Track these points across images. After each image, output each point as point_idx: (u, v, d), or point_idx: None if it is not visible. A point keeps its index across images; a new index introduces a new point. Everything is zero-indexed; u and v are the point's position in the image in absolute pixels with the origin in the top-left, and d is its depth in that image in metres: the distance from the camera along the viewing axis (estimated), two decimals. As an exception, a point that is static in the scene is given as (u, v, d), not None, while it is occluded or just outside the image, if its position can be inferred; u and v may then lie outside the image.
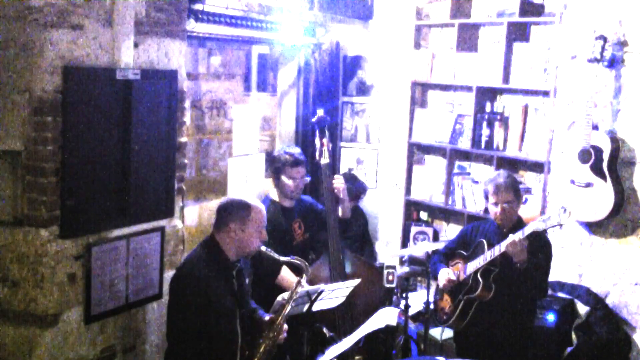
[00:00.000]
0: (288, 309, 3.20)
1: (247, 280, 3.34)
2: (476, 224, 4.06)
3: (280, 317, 3.18)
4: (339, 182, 4.02)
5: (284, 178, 3.92)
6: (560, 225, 3.45)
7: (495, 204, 3.66)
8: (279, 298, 3.26)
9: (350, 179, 5.23)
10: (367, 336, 3.42)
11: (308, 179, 4.06)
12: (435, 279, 3.95)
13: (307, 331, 3.57)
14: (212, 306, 2.98)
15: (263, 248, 3.20)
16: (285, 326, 3.22)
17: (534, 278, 3.56)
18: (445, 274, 3.81)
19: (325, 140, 4.08)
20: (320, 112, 4.13)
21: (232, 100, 6.19)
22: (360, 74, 5.84)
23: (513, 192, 3.67)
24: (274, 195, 4.03)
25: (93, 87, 3.31)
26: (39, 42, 3.11)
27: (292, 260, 3.25)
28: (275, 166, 3.97)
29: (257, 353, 3.11)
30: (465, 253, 3.85)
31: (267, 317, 3.24)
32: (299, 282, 3.24)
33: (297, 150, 4.02)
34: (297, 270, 3.88)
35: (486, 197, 3.76)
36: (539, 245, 3.62)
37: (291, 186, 3.93)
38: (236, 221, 3.11)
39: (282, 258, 3.23)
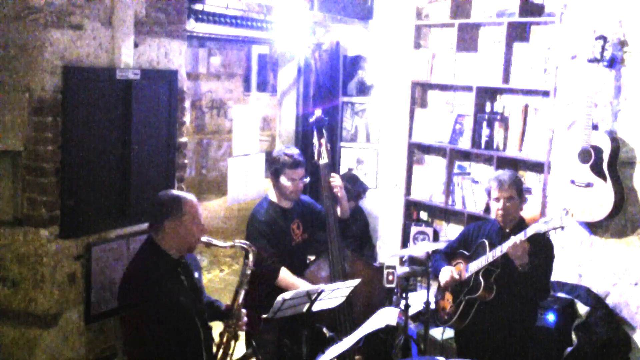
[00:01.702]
0: (242, 294, 3.16)
1: (196, 274, 3.27)
2: (478, 224, 4.06)
3: (236, 304, 3.15)
4: (336, 181, 4.01)
5: (282, 179, 3.92)
6: (562, 228, 3.45)
7: (497, 199, 3.66)
8: (279, 298, 3.26)
9: (351, 179, 5.23)
10: (367, 336, 3.42)
11: (307, 179, 4.05)
12: (437, 277, 3.95)
13: (307, 331, 3.57)
14: (166, 309, 2.92)
15: (204, 238, 3.16)
16: (244, 311, 3.20)
17: (536, 279, 3.56)
18: (448, 272, 3.81)
19: (323, 141, 4.07)
20: (318, 113, 4.13)
21: (232, 100, 6.20)
22: (360, 74, 5.84)
23: (516, 190, 3.67)
24: (273, 196, 4.03)
25: (93, 87, 3.31)
26: (39, 42, 3.11)
27: (236, 244, 3.23)
28: (274, 167, 3.97)
29: (220, 343, 3.09)
30: (466, 253, 3.85)
31: (222, 307, 3.25)
32: (245, 264, 3.19)
33: (296, 151, 4.01)
34: (294, 269, 3.89)
35: (488, 194, 3.75)
36: (541, 246, 3.61)
37: (290, 187, 3.92)
38: (170, 218, 3.02)
39: (225, 244, 3.23)
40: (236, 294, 3.19)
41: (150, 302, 2.91)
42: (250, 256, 3.23)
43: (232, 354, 3.18)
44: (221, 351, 3.13)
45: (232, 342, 3.16)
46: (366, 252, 5.38)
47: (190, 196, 3.12)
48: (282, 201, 3.99)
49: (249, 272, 3.22)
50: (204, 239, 3.15)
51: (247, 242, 3.28)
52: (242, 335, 3.32)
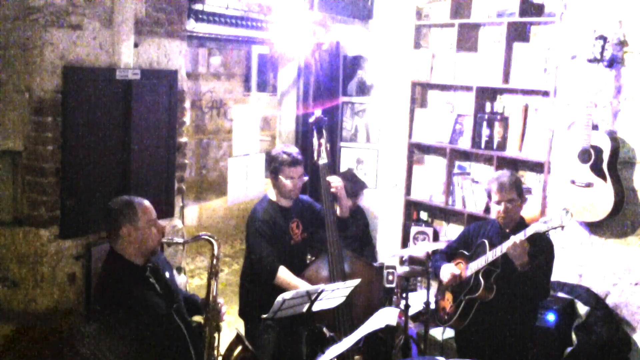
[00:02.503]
0: (214, 285, 3.11)
1: (167, 274, 3.21)
2: (478, 223, 4.06)
3: (211, 296, 3.10)
4: (335, 182, 4.01)
5: (281, 178, 3.92)
6: (562, 227, 3.45)
7: (498, 202, 3.66)
8: (279, 298, 3.26)
9: (350, 177, 5.23)
10: (367, 336, 3.42)
11: (306, 178, 4.05)
12: (437, 277, 3.95)
13: (307, 331, 3.57)
14: (143, 315, 2.88)
15: (165, 239, 3.14)
16: (221, 301, 3.16)
17: (536, 279, 3.56)
18: (449, 269, 3.81)
19: (323, 141, 4.07)
20: (317, 113, 4.13)
21: (232, 100, 6.20)
22: (360, 74, 5.84)
23: (516, 191, 3.67)
24: (272, 195, 4.03)
25: (93, 87, 3.31)
26: (39, 42, 3.11)
27: (201, 237, 3.20)
28: (273, 166, 3.97)
29: (203, 338, 3.06)
30: (467, 253, 3.85)
31: (200, 300, 3.22)
32: (212, 255, 3.13)
33: (295, 150, 4.01)
34: (294, 268, 3.89)
35: (489, 196, 3.75)
36: (541, 246, 3.61)
37: (289, 186, 3.93)
38: (126, 223, 2.96)
39: (186, 240, 3.20)
40: (209, 286, 3.13)
41: (125, 312, 2.85)
42: (215, 246, 3.16)
43: (218, 346, 3.15)
44: (206, 344, 3.09)
45: (216, 334, 3.12)
46: (366, 252, 5.38)
47: (142, 199, 3.06)
48: (282, 200, 4.00)
49: (215, 262, 3.15)
50: (164, 239, 3.12)
51: (209, 234, 3.22)
52: (223, 326, 3.29)
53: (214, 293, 3.12)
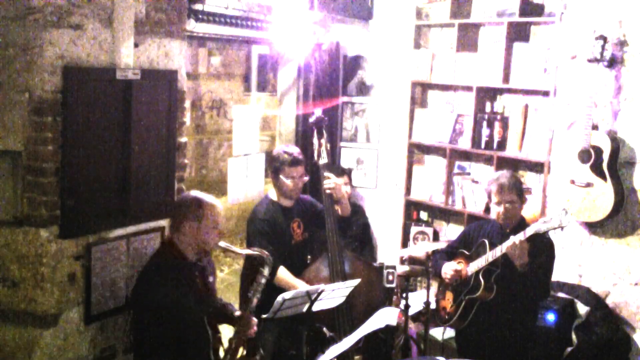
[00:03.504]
0: (254, 301, 3.17)
1: (211, 278, 3.28)
2: (479, 223, 4.06)
3: (247, 311, 3.16)
4: (329, 183, 4.00)
5: (282, 177, 3.92)
6: (562, 228, 3.45)
7: (498, 203, 3.66)
8: (279, 298, 3.26)
9: (330, 167, 5.15)
10: (367, 336, 3.42)
11: (307, 178, 4.06)
12: (438, 276, 3.96)
13: (307, 331, 3.57)
14: (177, 311, 2.93)
15: (222, 243, 3.17)
16: (255, 319, 3.20)
17: (536, 279, 3.56)
18: (451, 265, 3.81)
19: (323, 141, 4.08)
20: (317, 113, 4.14)
21: (232, 100, 6.20)
22: (360, 74, 5.84)
23: (516, 192, 3.67)
24: (273, 195, 4.03)
25: (93, 87, 3.31)
26: (39, 42, 3.11)
27: (252, 252, 3.23)
28: (274, 165, 3.97)
29: (229, 349, 3.10)
30: (467, 253, 3.86)
31: (237, 313, 3.24)
32: (260, 273, 3.20)
33: (295, 150, 4.02)
34: (294, 268, 3.89)
35: (489, 196, 3.75)
36: (542, 246, 3.61)
37: (290, 185, 3.93)
38: (190, 220, 3.05)
39: (242, 251, 3.22)
40: (248, 302, 3.19)
41: (162, 306, 2.91)
42: (266, 266, 3.23)
43: (239, 359, 3.19)
44: (228, 356, 3.13)
45: (240, 349, 3.17)
46: (367, 252, 5.38)
47: (212, 200, 3.13)
48: (283, 200, 4.00)
49: (263, 281, 3.21)
50: (221, 244, 3.15)
51: (265, 252, 3.27)
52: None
53: (252, 310, 3.16)
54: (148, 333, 2.98)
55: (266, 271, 3.25)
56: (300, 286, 3.70)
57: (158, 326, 2.94)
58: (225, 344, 3.21)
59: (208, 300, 3.17)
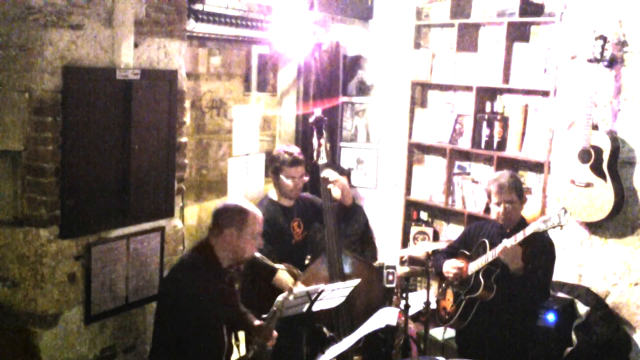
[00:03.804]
0: (276, 318, 3.16)
1: (237, 285, 3.30)
2: (479, 223, 4.06)
3: (270, 323, 3.15)
4: (331, 177, 3.98)
5: (282, 177, 3.93)
6: (561, 227, 3.45)
7: (498, 203, 3.66)
8: (279, 298, 3.26)
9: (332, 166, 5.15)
10: (367, 336, 3.42)
11: (307, 178, 4.05)
12: (438, 275, 3.96)
13: (307, 331, 3.57)
14: (202, 312, 2.93)
15: (258, 255, 3.16)
16: (275, 333, 3.20)
17: (536, 280, 3.56)
18: (452, 263, 3.82)
19: (322, 141, 4.07)
20: (317, 113, 4.14)
21: (232, 100, 6.19)
22: (360, 74, 5.84)
23: (516, 193, 3.67)
24: (273, 195, 4.03)
25: (93, 87, 3.31)
26: (39, 42, 3.11)
27: (286, 270, 3.22)
28: (274, 165, 3.98)
29: (245, 357, 3.10)
30: (467, 253, 3.86)
31: (257, 323, 3.23)
32: (291, 290, 3.18)
33: (296, 150, 4.02)
34: (294, 268, 3.89)
35: (489, 197, 3.76)
36: (542, 246, 3.61)
37: (290, 185, 3.93)
38: (232, 227, 3.05)
39: (277, 265, 3.21)
40: (272, 315, 3.16)
41: (189, 303, 2.91)
42: (298, 283, 3.22)
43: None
44: None
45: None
46: (367, 252, 5.38)
47: (256, 212, 3.12)
48: (283, 199, 4.00)
49: (291, 298, 3.18)
50: (257, 255, 3.15)
51: (297, 269, 3.25)
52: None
53: (272, 324, 3.14)
54: (170, 326, 2.98)
55: (297, 288, 3.22)
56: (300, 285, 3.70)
57: (181, 322, 2.94)
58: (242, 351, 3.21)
59: (231, 307, 3.17)
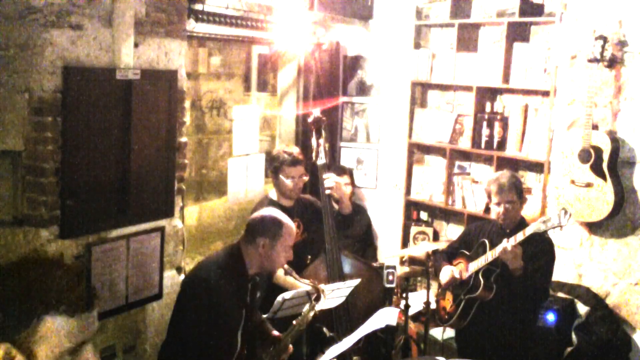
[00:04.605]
0: (297, 329, 3.14)
1: (258, 294, 3.25)
2: (479, 223, 4.06)
3: (287, 336, 3.13)
4: (329, 182, 3.99)
5: (282, 177, 3.93)
6: (561, 227, 3.45)
7: (498, 204, 3.66)
8: (279, 298, 3.26)
9: (333, 166, 5.16)
10: (367, 336, 3.42)
11: (307, 178, 4.06)
12: (438, 275, 3.96)
13: (307, 331, 3.57)
14: (219, 315, 2.91)
15: (286, 267, 3.14)
16: (291, 347, 3.18)
17: (535, 280, 3.56)
18: (448, 271, 3.82)
19: (322, 141, 4.08)
20: (315, 113, 4.14)
21: (232, 100, 6.18)
22: (360, 74, 5.84)
23: (516, 193, 3.67)
24: (273, 195, 4.04)
25: (93, 87, 3.31)
26: (39, 42, 3.11)
27: (309, 283, 3.19)
28: (274, 165, 3.98)
29: None
30: (467, 253, 3.86)
31: (275, 333, 3.22)
32: (311, 307, 3.17)
33: (295, 150, 4.02)
34: (294, 268, 3.87)
35: (489, 197, 3.76)
36: (541, 246, 3.61)
37: (289, 185, 3.93)
38: (266, 237, 3.00)
39: (301, 282, 3.20)
40: (291, 329, 3.14)
41: (208, 304, 2.88)
42: (321, 299, 3.19)
43: None
44: None
45: None
46: (368, 253, 5.37)
47: (291, 225, 3.10)
48: (283, 200, 4.00)
49: (312, 314, 3.16)
50: (285, 266, 3.14)
51: (321, 286, 3.23)
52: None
53: (291, 339, 3.13)
54: (185, 322, 2.96)
55: (318, 305, 3.20)
56: (302, 286, 3.70)
57: (198, 320, 2.90)
58: None
59: (251, 314, 3.14)
